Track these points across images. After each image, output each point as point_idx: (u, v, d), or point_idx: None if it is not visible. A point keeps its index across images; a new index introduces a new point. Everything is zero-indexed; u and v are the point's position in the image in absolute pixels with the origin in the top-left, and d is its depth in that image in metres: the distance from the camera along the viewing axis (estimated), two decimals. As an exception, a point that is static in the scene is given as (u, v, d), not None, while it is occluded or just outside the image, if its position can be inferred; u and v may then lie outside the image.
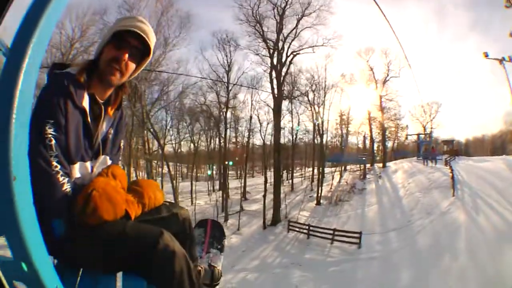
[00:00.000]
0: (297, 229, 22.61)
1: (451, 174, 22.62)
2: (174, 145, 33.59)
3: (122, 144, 1.66)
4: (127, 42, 1.40)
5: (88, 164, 1.43)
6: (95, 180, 1.37)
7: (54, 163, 1.22)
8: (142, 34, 1.39)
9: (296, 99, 31.30)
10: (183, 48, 40.22)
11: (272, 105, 29.55)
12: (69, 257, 1.29)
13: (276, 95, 28.98)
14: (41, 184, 1.09)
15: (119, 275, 1.37)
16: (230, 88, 30.59)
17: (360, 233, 18.58)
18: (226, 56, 30.35)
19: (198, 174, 39.42)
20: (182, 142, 34.45)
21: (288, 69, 29.47)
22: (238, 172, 36.65)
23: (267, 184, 28.27)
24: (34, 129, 0.97)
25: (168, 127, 31.70)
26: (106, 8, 24.64)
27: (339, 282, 14.98)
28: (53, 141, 1.22)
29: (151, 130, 27.95)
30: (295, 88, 31.19)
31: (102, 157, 1.50)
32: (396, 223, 20.20)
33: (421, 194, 22.73)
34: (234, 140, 34.44)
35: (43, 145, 1.20)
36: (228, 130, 32.14)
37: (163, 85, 28.24)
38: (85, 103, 1.36)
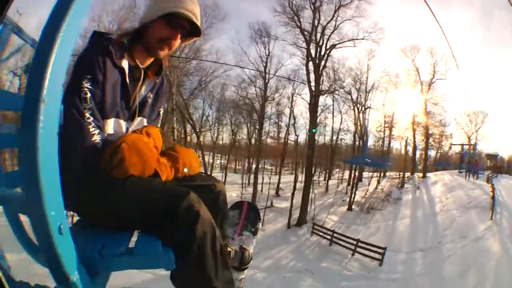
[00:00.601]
0: (321, 234, 21.75)
1: (492, 193, 20.50)
2: (212, 135, 33.98)
3: (161, 110, 1.66)
4: (179, 24, 1.43)
5: (122, 122, 1.43)
6: (127, 135, 1.36)
7: (87, 115, 1.24)
8: (194, 19, 1.42)
9: (337, 94, 29.68)
10: (217, 40, 40.16)
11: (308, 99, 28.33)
12: (89, 211, 1.30)
13: (313, 89, 27.84)
14: (72, 132, 1.20)
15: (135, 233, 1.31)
16: (267, 80, 30.03)
17: (385, 248, 17.38)
18: (264, 47, 29.48)
19: (238, 167, 39.59)
20: (222, 133, 34.77)
21: (326, 62, 28.08)
22: (278, 168, 36.11)
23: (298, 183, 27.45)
24: (71, 83, 1.08)
25: (206, 116, 31.81)
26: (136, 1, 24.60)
27: (350, 300, 14.36)
28: (89, 95, 1.24)
29: (190, 120, 28.34)
30: (337, 84, 29.60)
31: (138, 119, 1.51)
32: (425, 242, 18.80)
33: (458, 212, 20.86)
34: (275, 135, 33.80)
35: (78, 97, 1.23)
36: (267, 124, 31.70)
37: (202, 76, 28.18)
38: (124, 64, 1.39)
